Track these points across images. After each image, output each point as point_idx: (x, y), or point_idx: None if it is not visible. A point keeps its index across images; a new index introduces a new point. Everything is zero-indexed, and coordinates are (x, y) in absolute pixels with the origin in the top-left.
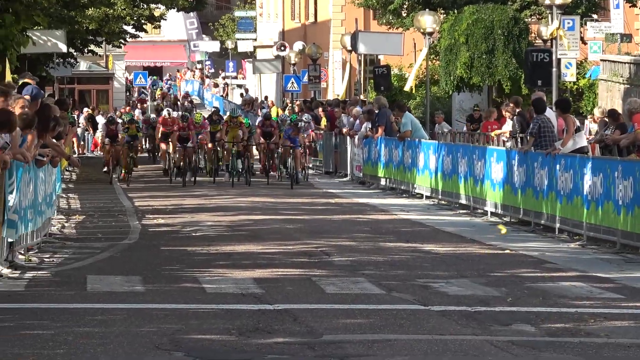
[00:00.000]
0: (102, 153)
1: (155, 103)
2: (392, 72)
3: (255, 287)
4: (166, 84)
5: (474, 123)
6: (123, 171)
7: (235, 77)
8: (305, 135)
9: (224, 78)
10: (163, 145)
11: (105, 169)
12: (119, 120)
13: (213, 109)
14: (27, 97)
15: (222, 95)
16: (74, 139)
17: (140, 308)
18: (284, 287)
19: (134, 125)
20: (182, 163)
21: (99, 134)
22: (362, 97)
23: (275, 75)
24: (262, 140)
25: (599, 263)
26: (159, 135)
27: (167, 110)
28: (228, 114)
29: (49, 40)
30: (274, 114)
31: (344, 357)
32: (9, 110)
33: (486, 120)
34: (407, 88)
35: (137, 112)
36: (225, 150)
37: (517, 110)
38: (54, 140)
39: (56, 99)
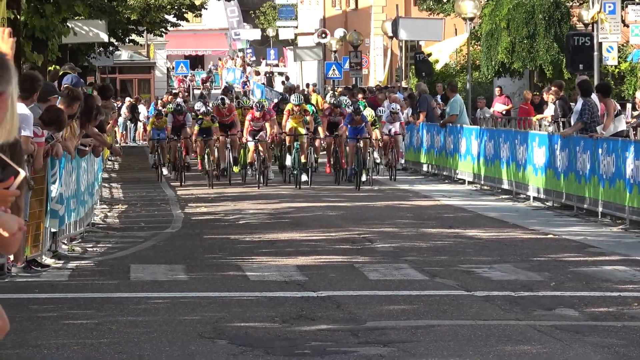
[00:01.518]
0: (147, 143)
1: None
2: (433, 58)
3: (298, 275)
4: (238, 80)
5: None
6: (215, 167)
7: (277, 65)
8: (392, 127)
9: (267, 66)
10: (220, 139)
11: (164, 169)
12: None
13: (280, 96)
14: (67, 85)
15: (263, 83)
16: (116, 129)
17: (183, 296)
18: (327, 274)
19: (209, 117)
20: (256, 160)
21: (141, 124)
22: (403, 83)
23: (317, 62)
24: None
25: None
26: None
27: (222, 97)
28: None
29: (90, 31)
30: (314, 102)
31: (388, 344)
32: (59, 108)
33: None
34: (439, 66)
35: (179, 101)
36: (285, 144)
37: (560, 94)
38: (96, 130)
39: (99, 85)
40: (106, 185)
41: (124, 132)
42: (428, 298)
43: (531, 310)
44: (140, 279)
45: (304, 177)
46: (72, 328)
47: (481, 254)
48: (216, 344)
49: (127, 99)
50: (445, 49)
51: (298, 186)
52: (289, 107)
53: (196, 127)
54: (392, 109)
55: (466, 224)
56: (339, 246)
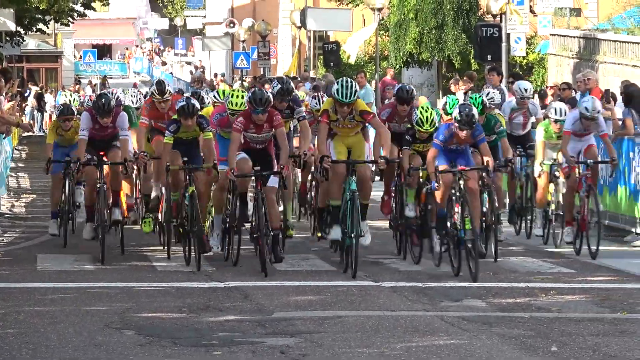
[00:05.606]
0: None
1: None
2: (341, 48)
3: (206, 265)
4: (146, 70)
5: None
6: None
7: (185, 55)
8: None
9: (176, 55)
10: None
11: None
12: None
13: (277, 85)
14: None
15: (171, 73)
16: (23, 117)
17: (90, 287)
18: (234, 265)
19: (193, 118)
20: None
21: (47, 115)
22: (311, 73)
23: (225, 52)
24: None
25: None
26: (143, 137)
27: (159, 81)
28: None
29: None
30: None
31: (295, 334)
32: None
33: None
34: (351, 60)
35: (88, 92)
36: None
37: (470, 85)
38: None
39: None
40: (13, 174)
41: (32, 121)
42: (335, 289)
43: (438, 301)
44: (47, 268)
45: (366, 241)
46: None
47: (388, 244)
48: (123, 334)
49: (34, 88)
50: (354, 41)
51: (352, 266)
52: (326, 105)
53: (168, 139)
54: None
55: (373, 214)
56: (246, 236)
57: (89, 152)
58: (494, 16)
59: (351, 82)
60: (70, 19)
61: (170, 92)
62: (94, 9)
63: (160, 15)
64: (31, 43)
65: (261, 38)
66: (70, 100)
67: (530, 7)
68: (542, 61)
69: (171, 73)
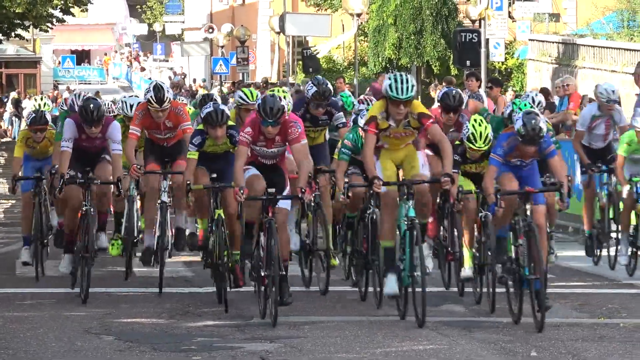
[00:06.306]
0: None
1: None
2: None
3: (185, 271)
4: (124, 75)
5: None
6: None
7: (166, 60)
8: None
9: (155, 60)
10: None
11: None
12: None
13: (311, 87)
14: None
15: (149, 78)
16: (1, 123)
17: (70, 292)
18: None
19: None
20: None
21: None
22: (290, 79)
23: (204, 57)
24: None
25: None
26: (131, 152)
27: (156, 85)
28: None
29: None
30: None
31: (274, 339)
32: None
33: None
34: (320, 55)
35: (66, 96)
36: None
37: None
38: None
39: None
40: None
41: (10, 127)
42: (315, 294)
43: (418, 306)
44: (26, 274)
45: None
46: None
47: None
48: (102, 340)
49: (12, 93)
50: (330, 44)
51: (417, 312)
52: (374, 111)
53: (191, 154)
54: None
55: None
56: None
57: (73, 169)
58: (473, 21)
59: (405, 75)
60: (49, 24)
61: (169, 99)
62: (73, 15)
63: (139, 21)
64: (10, 49)
65: (240, 43)
66: (39, 105)
67: (509, 12)
68: (521, 66)
69: (150, 78)
